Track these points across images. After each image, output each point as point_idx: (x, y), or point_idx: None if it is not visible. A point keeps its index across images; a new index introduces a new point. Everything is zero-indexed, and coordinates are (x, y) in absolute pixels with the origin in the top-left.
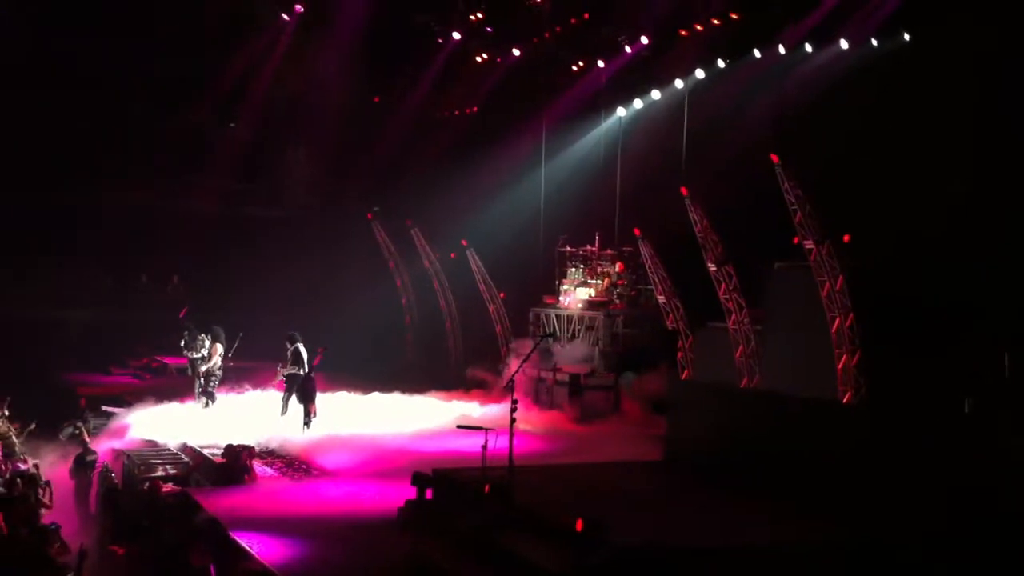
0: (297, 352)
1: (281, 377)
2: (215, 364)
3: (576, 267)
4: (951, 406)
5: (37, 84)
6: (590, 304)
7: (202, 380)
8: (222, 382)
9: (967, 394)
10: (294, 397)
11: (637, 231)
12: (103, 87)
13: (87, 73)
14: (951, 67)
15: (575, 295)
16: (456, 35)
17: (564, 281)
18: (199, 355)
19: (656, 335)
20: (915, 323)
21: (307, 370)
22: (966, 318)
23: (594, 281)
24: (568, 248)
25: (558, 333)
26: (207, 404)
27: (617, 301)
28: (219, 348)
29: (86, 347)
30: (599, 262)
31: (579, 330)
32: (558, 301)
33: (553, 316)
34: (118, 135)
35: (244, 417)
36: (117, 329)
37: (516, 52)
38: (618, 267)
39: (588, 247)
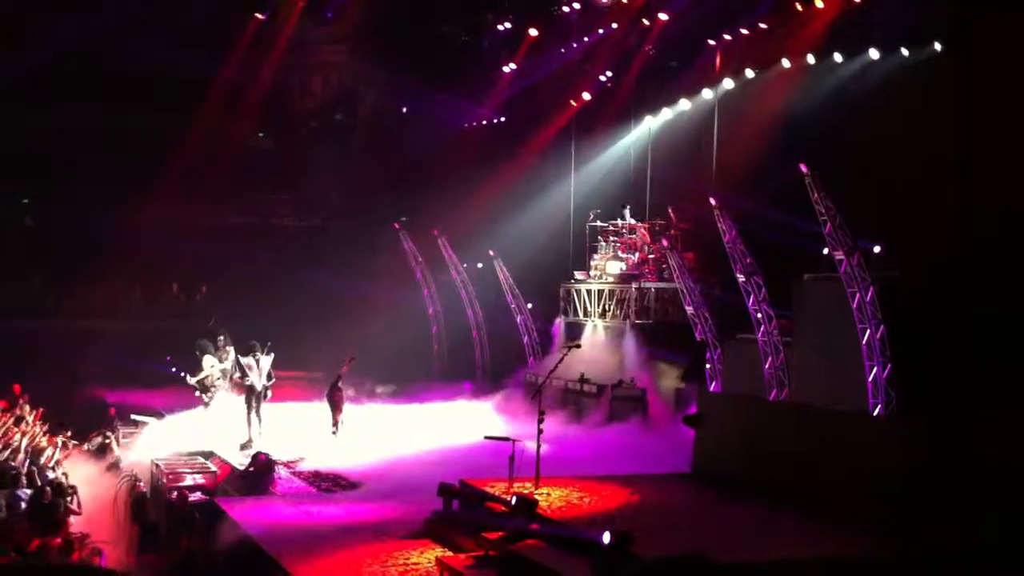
0: (251, 364)
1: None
2: (213, 376)
3: (608, 241)
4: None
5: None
6: (622, 277)
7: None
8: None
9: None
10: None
11: (666, 241)
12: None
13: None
14: (985, 75)
15: (606, 269)
16: (484, 44)
17: (595, 255)
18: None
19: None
20: (946, 335)
21: (268, 382)
22: (998, 329)
23: (625, 255)
24: (599, 223)
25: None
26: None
27: (648, 275)
28: (208, 359)
29: (118, 358)
30: (630, 236)
31: (610, 305)
32: (589, 276)
33: (584, 291)
34: (147, 147)
35: (274, 428)
36: (147, 340)
37: (545, 61)
38: (645, 237)
39: (619, 220)
